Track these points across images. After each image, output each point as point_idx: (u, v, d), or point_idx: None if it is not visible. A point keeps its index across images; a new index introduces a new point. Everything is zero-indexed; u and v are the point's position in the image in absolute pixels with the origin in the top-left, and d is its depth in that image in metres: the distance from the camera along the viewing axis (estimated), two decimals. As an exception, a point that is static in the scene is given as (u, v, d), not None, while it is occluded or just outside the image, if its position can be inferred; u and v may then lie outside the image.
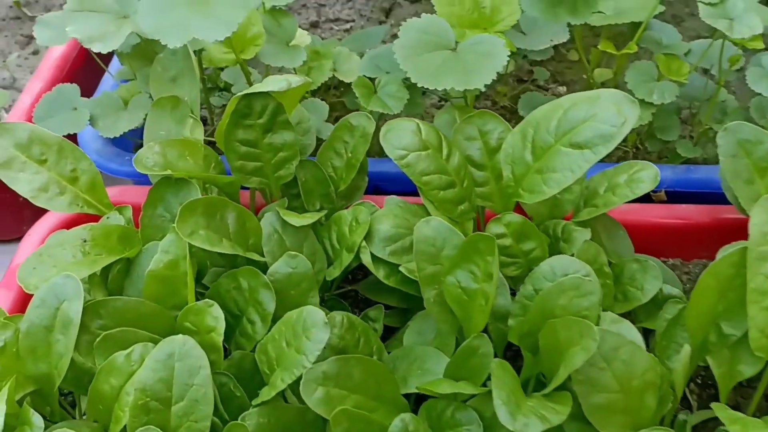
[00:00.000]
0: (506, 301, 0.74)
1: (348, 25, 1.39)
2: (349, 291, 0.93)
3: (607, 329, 0.64)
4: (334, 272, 0.80)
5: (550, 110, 0.77)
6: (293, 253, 0.74)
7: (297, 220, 0.79)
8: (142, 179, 1.07)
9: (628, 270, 0.81)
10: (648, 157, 1.07)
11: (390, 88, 0.97)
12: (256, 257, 0.76)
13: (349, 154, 0.88)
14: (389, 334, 0.84)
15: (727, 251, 0.67)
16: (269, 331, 0.71)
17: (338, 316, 0.70)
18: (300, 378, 0.64)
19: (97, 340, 0.66)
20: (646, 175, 0.78)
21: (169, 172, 0.75)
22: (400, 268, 0.75)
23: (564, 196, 0.85)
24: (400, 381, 0.70)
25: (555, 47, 1.09)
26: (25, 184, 0.83)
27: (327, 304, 0.84)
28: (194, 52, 0.97)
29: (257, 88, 0.80)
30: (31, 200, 0.83)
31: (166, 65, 0.98)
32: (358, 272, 0.95)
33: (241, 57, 0.96)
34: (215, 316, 0.70)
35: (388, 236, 0.77)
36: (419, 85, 0.80)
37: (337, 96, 1.17)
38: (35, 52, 1.43)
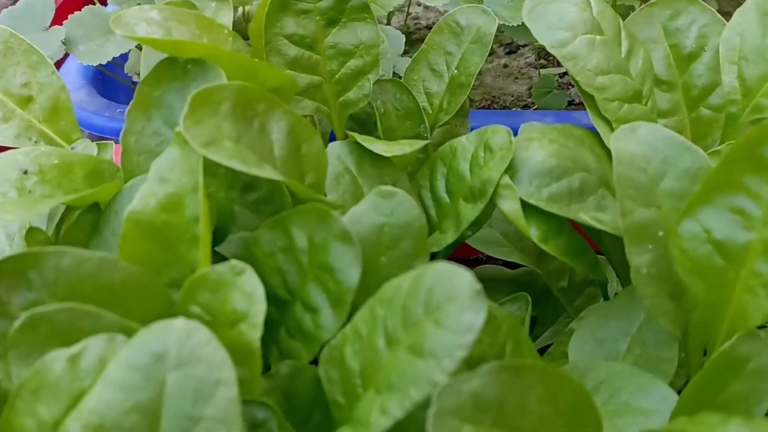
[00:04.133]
0: None
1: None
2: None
3: None
4: (446, 238, 0.47)
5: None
6: (388, 188, 0.42)
7: (385, 147, 0.47)
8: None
9: None
10: None
11: (501, -4, 0.67)
12: (322, 199, 0.43)
13: (454, 71, 0.57)
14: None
15: None
16: (345, 324, 0.38)
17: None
18: (422, 407, 0.31)
19: (15, 326, 0.33)
20: None
21: (173, 37, 0.43)
22: (583, 217, 0.42)
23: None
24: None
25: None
26: (-53, 103, 0.53)
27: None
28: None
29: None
30: (-47, 125, 0.52)
31: (178, -34, 0.69)
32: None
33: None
34: (248, 293, 0.37)
35: (545, 170, 0.45)
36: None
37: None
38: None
